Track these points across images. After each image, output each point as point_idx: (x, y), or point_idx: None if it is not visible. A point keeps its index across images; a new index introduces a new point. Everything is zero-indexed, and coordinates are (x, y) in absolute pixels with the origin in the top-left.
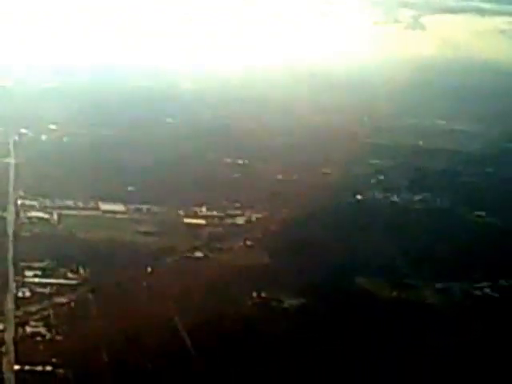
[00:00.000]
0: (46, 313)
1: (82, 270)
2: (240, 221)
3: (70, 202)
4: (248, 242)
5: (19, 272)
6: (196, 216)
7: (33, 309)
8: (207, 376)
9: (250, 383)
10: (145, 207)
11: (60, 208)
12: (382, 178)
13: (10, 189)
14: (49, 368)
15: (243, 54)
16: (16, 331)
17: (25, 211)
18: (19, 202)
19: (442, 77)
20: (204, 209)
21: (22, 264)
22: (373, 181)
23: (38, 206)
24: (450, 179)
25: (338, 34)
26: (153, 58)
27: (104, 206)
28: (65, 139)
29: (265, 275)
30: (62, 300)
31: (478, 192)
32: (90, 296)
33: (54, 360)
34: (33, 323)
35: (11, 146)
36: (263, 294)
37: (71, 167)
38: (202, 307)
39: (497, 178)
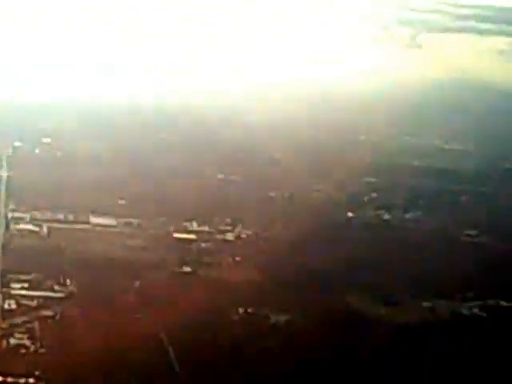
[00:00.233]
0: (31, 325)
1: (69, 283)
2: (230, 237)
3: (60, 216)
4: (237, 258)
5: (6, 284)
6: (186, 231)
7: (18, 321)
8: None
9: None
10: (135, 221)
11: (50, 221)
12: (375, 195)
13: (1, 201)
14: (31, 380)
15: (242, 64)
16: (0, 343)
17: (14, 224)
18: (9, 214)
19: (440, 96)
20: (195, 224)
21: (9, 276)
22: (366, 198)
23: (28, 218)
24: (443, 198)
25: (334, 51)
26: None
27: (94, 220)
28: (58, 153)
29: (253, 291)
30: (48, 313)
31: (471, 211)
32: (76, 309)
33: (36, 373)
34: (17, 335)
35: (4, 159)
36: (250, 310)
37: (63, 181)
38: (188, 322)
39: (490, 197)
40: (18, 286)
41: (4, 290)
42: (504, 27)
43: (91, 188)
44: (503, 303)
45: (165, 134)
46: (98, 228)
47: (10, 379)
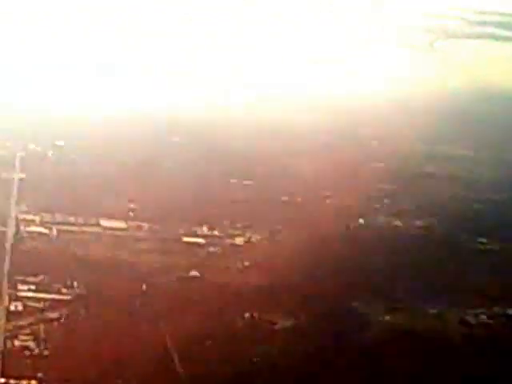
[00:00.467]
0: (36, 327)
1: (76, 286)
2: (239, 241)
3: (71, 218)
4: (246, 263)
5: (13, 286)
6: (196, 235)
7: (23, 323)
8: None
9: None
10: (146, 225)
11: (60, 224)
12: (386, 202)
13: (13, 203)
14: (33, 382)
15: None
16: (5, 344)
17: (25, 226)
18: (20, 216)
19: (456, 102)
20: (205, 228)
21: (17, 278)
22: (377, 205)
23: (38, 221)
24: (455, 205)
25: (349, 55)
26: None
27: (105, 223)
28: (71, 156)
29: (259, 296)
30: (54, 315)
31: (482, 218)
32: (82, 312)
33: (39, 375)
34: (22, 337)
35: (17, 161)
36: (256, 315)
37: (75, 183)
38: (193, 327)
39: (502, 204)
40: (25, 287)
41: (11, 291)
42: None
43: (103, 191)
44: (510, 311)
45: (177, 138)
46: (108, 231)
47: (12, 381)
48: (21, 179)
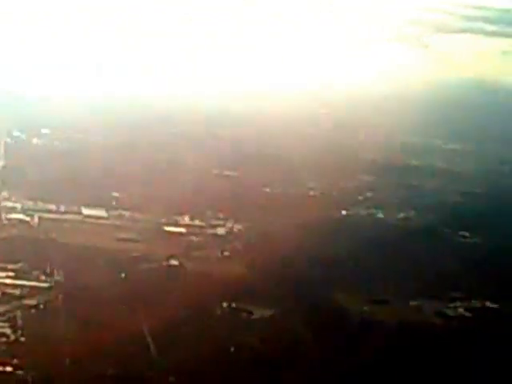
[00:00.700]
0: (13, 314)
1: (55, 274)
2: (221, 231)
3: (52, 206)
4: (226, 253)
5: None
6: (177, 224)
7: (1, 310)
8: (165, 382)
9: None
10: (127, 213)
11: (42, 211)
12: (369, 194)
13: None
14: (9, 369)
15: (241, 64)
16: None
17: (6, 213)
18: (1, 203)
19: (443, 96)
20: (186, 218)
21: None
22: (360, 197)
23: (20, 208)
24: (438, 198)
25: (338, 51)
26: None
27: (86, 211)
28: (56, 143)
29: (238, 286)
30: (32, 302)
31: (465, 212)
32: (60, 299)
33: (15, 361)
34: None
35: (1, 149)
36: (234, 305)
37: (59, 171)
38: (170, 315)
39: (485, 198)
40: (4, 274)
41: None
42: (509, 29)
43: (87, 180)
44: (489, 304)
45: (163, 129)
46: (89, 219)
47: None
48: (3, 166)
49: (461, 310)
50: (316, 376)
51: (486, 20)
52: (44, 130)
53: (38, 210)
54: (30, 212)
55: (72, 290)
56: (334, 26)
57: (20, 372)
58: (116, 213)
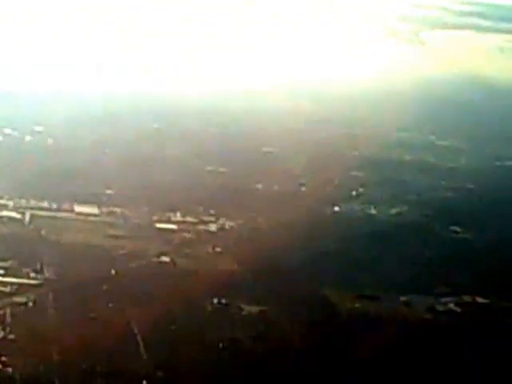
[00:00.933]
0: (2, 311)
1: (45, 271)
2: (213, 228)
3: (44, 204)
4: (217, 249)
5: None
6: (169, 221)
7: None
8: (153, 378)
9: None
10: (119, 210)
11: (34, 209)
12: (362, 190)
13: None
14: None
15: (241, 64)
16: None
17: None
18: None
19: (438, 92)
20: (178, 214)
21: None
22: (353, 193)
23: (12, 205)
24: (431, 194)
25: (334, 48)
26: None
27: (78, 208)
28: (49, 141)
29: (229, 282)
30: (21, 299)
31: (457, 207)
32: (50, 296)
33: (3, 358)
34: None
35: None
36: (224, 301)
37: (52, 169)
38: (159, 311)
39: (477, 194)
40: None
41: None
42: (504, 25)
43: (79, 177)
44: (479, 299)
45: (157, 125)
46: (81, 216)
47: None
48: None
49: (451, 305)
50: (303, 371)
51: (481, 16)
52: (37, 128)
53: (30, 208)
54: (22, 209)
55: (61, 287)
56: (330, 23)
57: (7, 369)
58: (107, 210)
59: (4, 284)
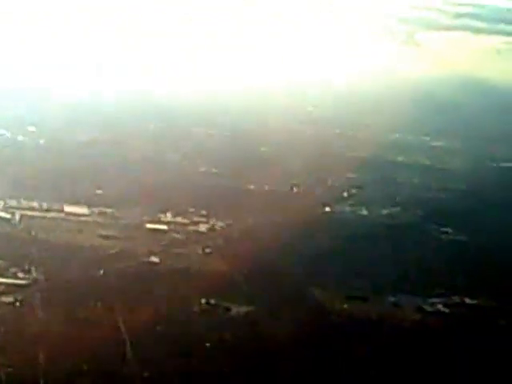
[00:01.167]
0: None
1: (34, 271)
2: (203, 228)
3: (35, 204)
4: (207, 250)
5: None
6: (159, 222)
7: None
8: (139, 378)
9: None
10: (109, 211)
11: (24, 209)
12: (354, 191)
13: None
14: None
15: (241, 64)
16: None
17: None
18: None
19: (433, 93)
20: (169, 215)
21: None
22: (344, 194)
23: (1, 206)
24: (423, 195)
25: (331, 50)
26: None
27: (68, 209)
28: (41, 141)
29: (218, 283)
30: (8, 299)
31: (449, 209)
32: (37, 296)
33: None
34: None
35: None
36: (212, 301)
37: (43, 169)
38: (148, 312)
39: (469, 195)
40: None
41: None
42: (499, 26)
43: (70, 177)
44: (468, 300)
45: (152, 125)
46: (71, 217)
47: None
48: None
49: (440, 306)
50: (292, 372)
51: (478, 17)
52: (30, 128)
53: (20, 208)
54: (12, 210)
55: (50, 287)
56: (326, 24)
57: None
58: (98, 210)
59: None
